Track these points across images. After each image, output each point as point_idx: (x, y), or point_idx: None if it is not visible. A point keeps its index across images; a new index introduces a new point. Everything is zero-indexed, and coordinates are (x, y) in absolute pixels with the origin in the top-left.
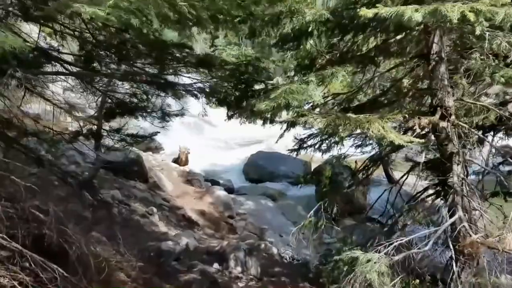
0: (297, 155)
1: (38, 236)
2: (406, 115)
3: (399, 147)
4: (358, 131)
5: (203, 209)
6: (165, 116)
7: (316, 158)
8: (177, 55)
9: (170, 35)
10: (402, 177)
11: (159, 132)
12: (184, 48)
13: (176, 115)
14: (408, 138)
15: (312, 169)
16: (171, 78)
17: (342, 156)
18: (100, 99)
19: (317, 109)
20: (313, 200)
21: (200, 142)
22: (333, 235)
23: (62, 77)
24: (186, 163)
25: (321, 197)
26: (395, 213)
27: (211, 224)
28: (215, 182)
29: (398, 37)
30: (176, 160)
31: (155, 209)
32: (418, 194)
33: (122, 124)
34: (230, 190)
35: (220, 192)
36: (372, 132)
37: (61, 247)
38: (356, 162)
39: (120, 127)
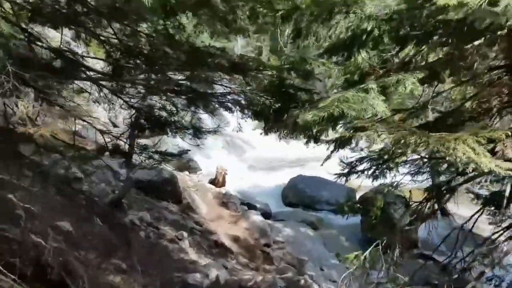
0: (346, 181)
1: (39, 265)
2: (510, 133)
3: (478, 176)
4: (426, 149)
5: (238, 235)
6: (196, 132)
7: (362, 185)
8: (208, 59)
9: (201, 36)
10: (474, 215)
11: (189, 150)
12: (216, 50)
13: (209, 131)
14: (509, 165)
15: (357, 197)
16: (202, 88)
17: (395, 184)
18: (129, 113)
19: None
20: (357, 230)
21: (239, 162)
22: (382, 273)
23: (88, 84)
24: (223, 184)
25: (368, 229)
26: (462, 254)
27: (246, 252)
28: (251, 206)
29: (476, 42)
30: (213, 181)
31: (185, 234)
32: (495, 235)
33: (156, 141)
34: (267, 215)
35: (257, 217)
36: (457, 154)
37: (63, 279)
38: (410, 192)
39: (147, 144)
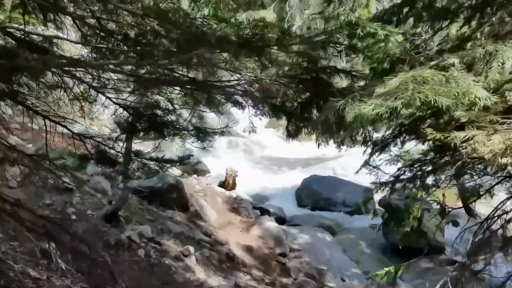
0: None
1: None
2: None
3: None
4: None
5: (251, 244)
6: (199, 134)
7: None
8: (209, 36)
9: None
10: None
11: (192, 156)
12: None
13: (215, 133)
14: None
15: (374, 197)
16: (202, 76)
17: (428, 187)
18: (120, 112)
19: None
20: (378, 234)
21: (249, 164)
22: (407, 281)
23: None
24: (233, 187)
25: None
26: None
27: (260, 264)
28: (264, 211)
29: None
30: (223, 184)
31: (192, 249)
32: None
33: (156, 144)
34: (281, 220)
35: (270, 224)
36: None
37: None
38: (443, 195)
39: (140, 150)
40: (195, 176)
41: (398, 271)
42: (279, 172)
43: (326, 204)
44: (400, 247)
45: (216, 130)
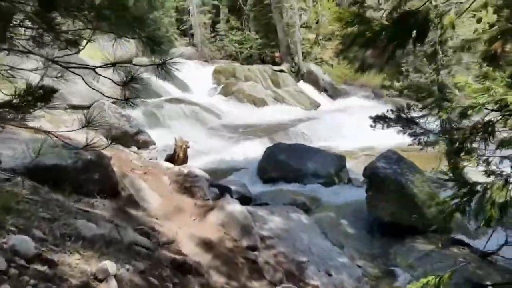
0: None
1: None
2: None
3: None
4: None
5: (209, 237)
6: None
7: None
8: None
9: None
10: None
11: None
12: None
13: None
14: None
15: (349, 167)
16: None
17: None
18: None
19: None
20: (361, 209)
21: (203, 133)
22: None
23: None
24: (184, 160)
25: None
26: None
27: (222, 265)
28: (224, 189)
29: None
30: (172, 158)
31: (112, 266)
32: None
33: None
34: (245, 199)
35: (233, 207)
36: None
37: None
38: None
39: None
40: (134, 149)
41: (441, 282)
42: (238, 141)
43: (295, 176)
44: (388, 223)
45: None
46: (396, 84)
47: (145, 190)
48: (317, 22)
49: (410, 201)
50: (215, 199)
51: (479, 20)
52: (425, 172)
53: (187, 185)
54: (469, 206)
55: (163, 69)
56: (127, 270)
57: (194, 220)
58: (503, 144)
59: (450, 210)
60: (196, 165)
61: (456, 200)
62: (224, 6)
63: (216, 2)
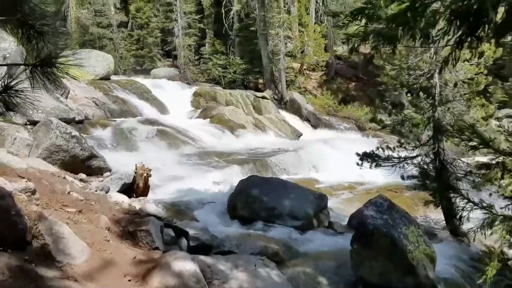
0: None
1: None
2: None
3: None
4: None
5: None
6: None
7: (336, 188)
8: None
9: None
10: None
11: None
12: None
13: None
14: None
15: (331, 206)
16: None
17: None
18: None
19: None
20: (344, 263)
21: (172, 159)
22: None
23: None
24: (144, 191)
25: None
26: None
27: None
28: (181, 232)
29: None
30: (130, 187)
31: None
32: None
33: None
34: (205, 247)
35: (183, 265)
36: None
37: None
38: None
39: None
40: (82, 176)
41: None
42: (210, 170)
43: (268, 215)
44: (375, 285)
45: None
46: (386, 118)
47: (68, 237)
48: (302, 52)
49: (402, 260)
50: (168, 244)
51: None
52: (418, 221)
53: (131, 229)
54: None
55: (42, 74)
56: None
57: (129, 281)
58: None
59: None
60: (157, 197)
61: None
62: (210, 29)
63: (202, 26)
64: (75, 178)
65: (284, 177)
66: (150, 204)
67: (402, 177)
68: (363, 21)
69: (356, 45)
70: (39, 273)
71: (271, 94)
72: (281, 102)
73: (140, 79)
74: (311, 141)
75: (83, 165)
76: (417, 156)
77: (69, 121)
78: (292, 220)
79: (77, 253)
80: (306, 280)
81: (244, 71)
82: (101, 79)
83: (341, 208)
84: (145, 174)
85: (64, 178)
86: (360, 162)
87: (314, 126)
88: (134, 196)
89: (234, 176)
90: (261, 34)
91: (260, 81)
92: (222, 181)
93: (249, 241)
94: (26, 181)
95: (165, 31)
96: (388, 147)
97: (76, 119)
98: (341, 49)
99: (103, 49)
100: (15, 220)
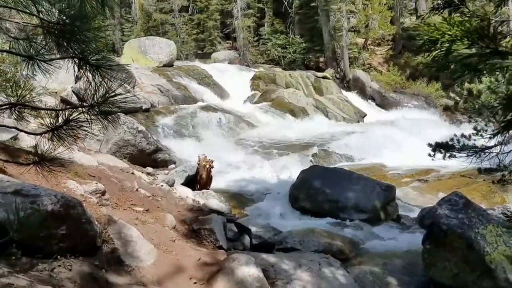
0: None
1: None
2: None
3: None
4: None
5: None
6: None
7: (404, 175)
8: None
9: None
10: None
11: None
12: None
13: None
14: None
15: (399, 196)
16: None
17: None
18: None
19: None
20: (415, 263)
21: (232, 146)
22: None
23: None
24: (207, 182)
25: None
26: None
27: None
28: (244, 229)
29: None
30: (194, 179)
31: None
32: None
33: None
34: (266, 246)
35: (247, 271)
36: None
37: None
38: None
39: None
40: (149, 169)
41: None
42: (272, 157)
43: (332, 208)
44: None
45: None
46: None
47: (137, 240)
48: (366, 26)
49: (479, 262)
50: (231, 240)
51: None
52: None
53: (195, 227)
54: None
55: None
56: None
57: (195, 284)
58: None
59: None
60: (219, 185)
61: None
62: (270, 8)
63: (261, 5)
64: (142, 172)
65: (348, 163)
66: (212, 199)
67: (479, 170)
68: None
69: None
70: (109, 280)
71: (332, 73)
72: (343, 81)
73: (201, 64)
74: (376, 122)
75: (150, 158)
76: (496, 145)
77: (137, 110)
78: (357, 213)
79: (145, 255)
80: (374, 281)
81: (304, 50)
82: (164, 66)
83: (410, 198)
84: (207, 166)
85: (133, 173)
86: (432, 153)
87: (380, 105)
88: (198, 187)
89: (294, 164)
90: (322, 10)
91: (321, 59)
92: (283, 169)
93: (312, 238)
94: (96, 183)
95: (224, 13)
96: (463, 135)
97: (143, 107)
98: (409, 21)
99: (165, 35)
100: (86, 228)
